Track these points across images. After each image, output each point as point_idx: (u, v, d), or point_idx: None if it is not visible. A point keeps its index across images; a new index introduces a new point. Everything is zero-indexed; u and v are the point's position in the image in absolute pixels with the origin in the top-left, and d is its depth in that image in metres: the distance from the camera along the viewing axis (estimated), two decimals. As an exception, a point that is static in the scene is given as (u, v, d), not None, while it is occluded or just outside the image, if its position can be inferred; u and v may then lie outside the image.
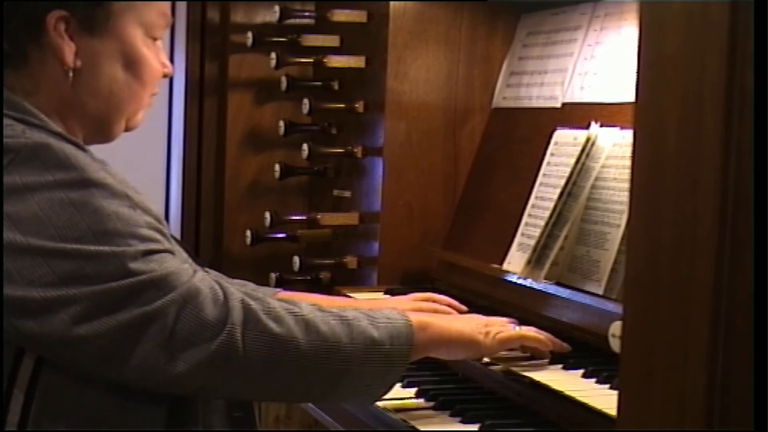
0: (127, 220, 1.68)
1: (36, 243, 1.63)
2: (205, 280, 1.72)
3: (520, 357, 2.08)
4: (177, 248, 1.84)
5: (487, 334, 1.98)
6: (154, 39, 1.91)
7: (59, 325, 1.63)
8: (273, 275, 3.03)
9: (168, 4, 1.94)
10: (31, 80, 1.81)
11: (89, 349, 1.65)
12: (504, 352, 2.06)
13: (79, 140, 1.79)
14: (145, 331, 1.65)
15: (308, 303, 1.82)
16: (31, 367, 1.70)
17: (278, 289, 2.31)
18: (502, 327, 2.02)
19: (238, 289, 2.22)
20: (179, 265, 1.72)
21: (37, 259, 1.63)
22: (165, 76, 1.95)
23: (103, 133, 1.89)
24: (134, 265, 1.65)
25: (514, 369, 2.04)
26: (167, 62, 1.95)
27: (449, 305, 2.35)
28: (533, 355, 2.07)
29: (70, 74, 1.81)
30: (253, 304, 1.73)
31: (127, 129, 1.93)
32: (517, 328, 2.06)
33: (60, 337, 1.64)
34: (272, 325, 1.71)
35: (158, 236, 1.72)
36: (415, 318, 1.90)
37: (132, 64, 1.86)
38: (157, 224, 1.74)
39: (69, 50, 1.80)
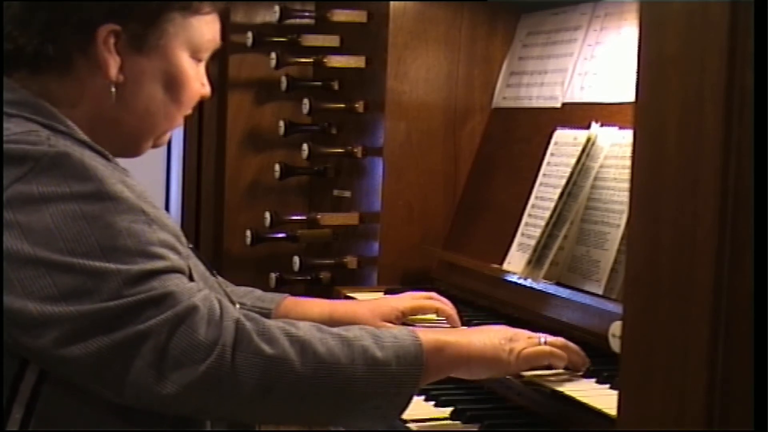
0: (138, 236, 1.66)
1: (42, 254, 1.62)
2: (207, 300, 1.68)
3: (544, 374, 1.98)
4: (194, 262, 1.81)
5: (511, 351, 1.88)
6: (199, 61, 1.91)
7: (52, 341, 1.61)
8: (273, 275, 3.03)
9: (218, 29, 1.93)
10: (74, 89, 1.80)
11: (81, 366, 1.63)
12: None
13: (105, 150, 1.77)
14: (138, 349, 1.62)
15: (308, 323, 1.77)
16: (33, 379, 1.68)
17: (286, 295, 2.28)
18: (527, 341, 1.91)
19: (242, 301, 2.22)
20: (183, 284, 1.68)
21: (41, 270, 1.61)
22: (203, 97, 1.94)
23: (131, 150, 1.89)
24: (134, 285, 1.63)
25: (544, 383, 2.01)
26: (206, 83, 1.95)
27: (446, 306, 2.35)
28: (567, 368, 1.97)
29: (113, 89, 1.80)
30: (247, 324, 1.68)
31: (154, 146, 1.93)
32: (543, 339, 1.94)
33: (52, 354, 1.62)
34: (265, 346, 1.66)
35: (169, 254, 1.69)
36: (432, 337, 1.82)
37: (173, 85, 1.86)
38: (172, 241, 1.71)
39: (114, 64, 1.79)
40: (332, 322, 2.15)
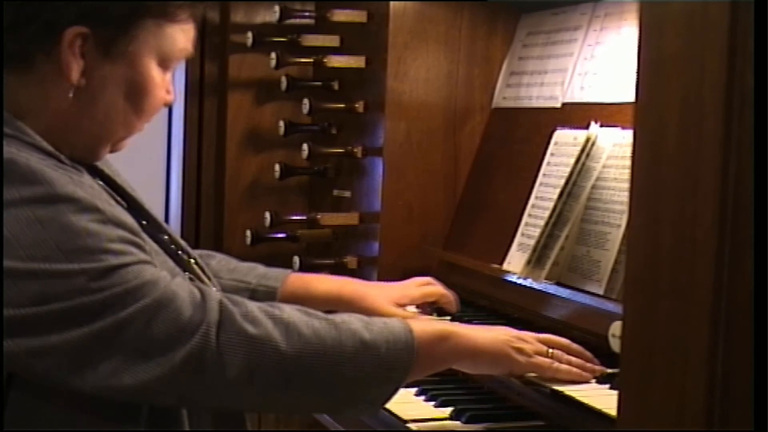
0: (97, 235, 1.62)
1: (4, 264, 1.58)
2: (183, 284, 1.67)
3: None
4: (162, 258, 1.79)
5: (518, 350, 1.88)
6: (167, 69, 1.85)
7: (33, 339, 1.59)
8: (273, 275, 3.02)
9: (192, 37, 1.86)
10: (34, 90, 1.75)
11: (62, 359, 1.60)
12: None
13: (57, 152, 1.72)
14: (118, 338, 1.60)
15: (294, 306, 1.75)
16: None
17: (289, 271, 2.27)
18: (536, 345, 1.91)
19: (247, 279, 2.22)
20: (157, 272, 1.66)
21: (6, 281, 1.59)
22: (165, 104, 1.88)
23: (88, 155, 1.83)
24: (107, 280, 1.61)
25: (546, 383, 2.01)
26: (171, 90, 1.88)
27: (442, 296, 2.38)
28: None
29: (71, 93, 1.75)
30: (230, 306, 1.66)
31: (111, 152, 1.88)
32: (551, 352, 1.94)
33: (34, 351, 1.60)
34: (248, 327, 1.64)
35: (132, 249, 1.66)
36: (438, 327, 1.82)
37: (136, 93, 1.80)
38: (130, 237, 1.68)
39: (77, 68, 1.73)
40: (340, 300, 2.17)
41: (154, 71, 1.81)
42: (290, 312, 1.71)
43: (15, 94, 1.75)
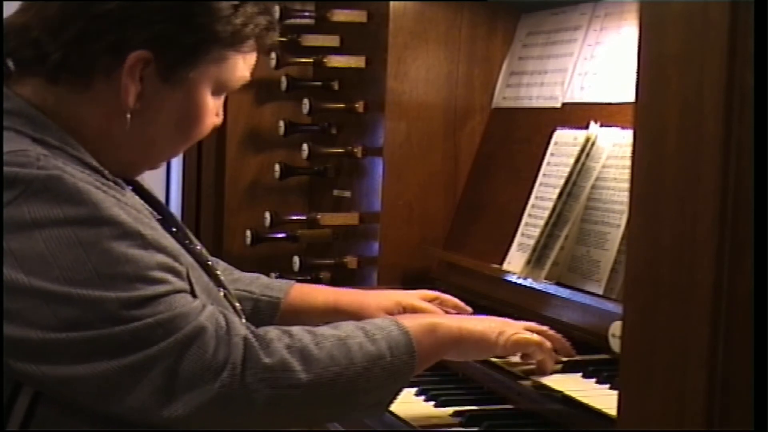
0: (136, 262, 1.61)
1: (39, 285, 1.57)
2: (212, 317, 1.66)
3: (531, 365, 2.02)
4: (197, 274, 1.78)
5: (501, 333, 1.93)
6: (219, 96, 1.83)
7: (57, 366, 1.58)
8: (273, 275, 3.02)
9: (252, 64, 1.83)
10: (87, 107, 1.73)
11: (87, 389, 1.60)
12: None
13: (101, 167, 1.71)
14: (147, 374, 1.60)
15: (299, 327, 1.76)
16: (27, 402, 1.64)
17: (292, 282, 2.28)
18: (518, 329, 1.97)
19: (250, 289, 2.21)
20: (189, 304, 1.66)
21: (39, 301, 1.57)
22: (214, 127, 1.86)
23: (128, 171, 1.82)
24: (139, 311, 1.59)
25: (514, 370, 2.04)
26: (221, 113, 1.86)
27: (455, 306, 2.34)
28: (539, 367, 2.01)
29: (128, 115, 1.73)
30: (254, 341, 1.67)
31: (149, 169, 1.88)
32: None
33: (58, 378, 1.59)
34: (269, 361, 1.66)
35: (169, 277, 1.65)
36: (424, 321, 1.86)
37: (187, 120, 1.78)
38: (170, 263, 1.67)
39: (134, 91, 1.72)
40: (337, 311, 2.17)
41: (209, 98, 1.79)
42: (300, 335, 1.72)
43: (66, 108, 1.73)
